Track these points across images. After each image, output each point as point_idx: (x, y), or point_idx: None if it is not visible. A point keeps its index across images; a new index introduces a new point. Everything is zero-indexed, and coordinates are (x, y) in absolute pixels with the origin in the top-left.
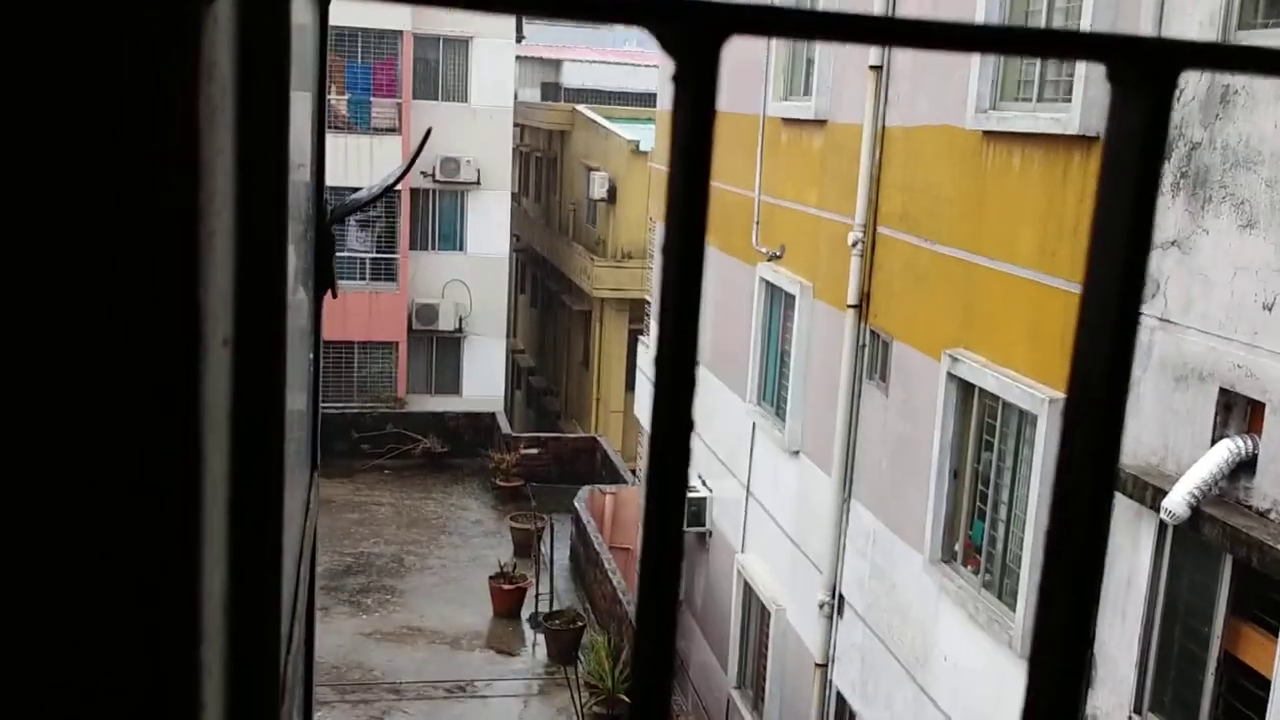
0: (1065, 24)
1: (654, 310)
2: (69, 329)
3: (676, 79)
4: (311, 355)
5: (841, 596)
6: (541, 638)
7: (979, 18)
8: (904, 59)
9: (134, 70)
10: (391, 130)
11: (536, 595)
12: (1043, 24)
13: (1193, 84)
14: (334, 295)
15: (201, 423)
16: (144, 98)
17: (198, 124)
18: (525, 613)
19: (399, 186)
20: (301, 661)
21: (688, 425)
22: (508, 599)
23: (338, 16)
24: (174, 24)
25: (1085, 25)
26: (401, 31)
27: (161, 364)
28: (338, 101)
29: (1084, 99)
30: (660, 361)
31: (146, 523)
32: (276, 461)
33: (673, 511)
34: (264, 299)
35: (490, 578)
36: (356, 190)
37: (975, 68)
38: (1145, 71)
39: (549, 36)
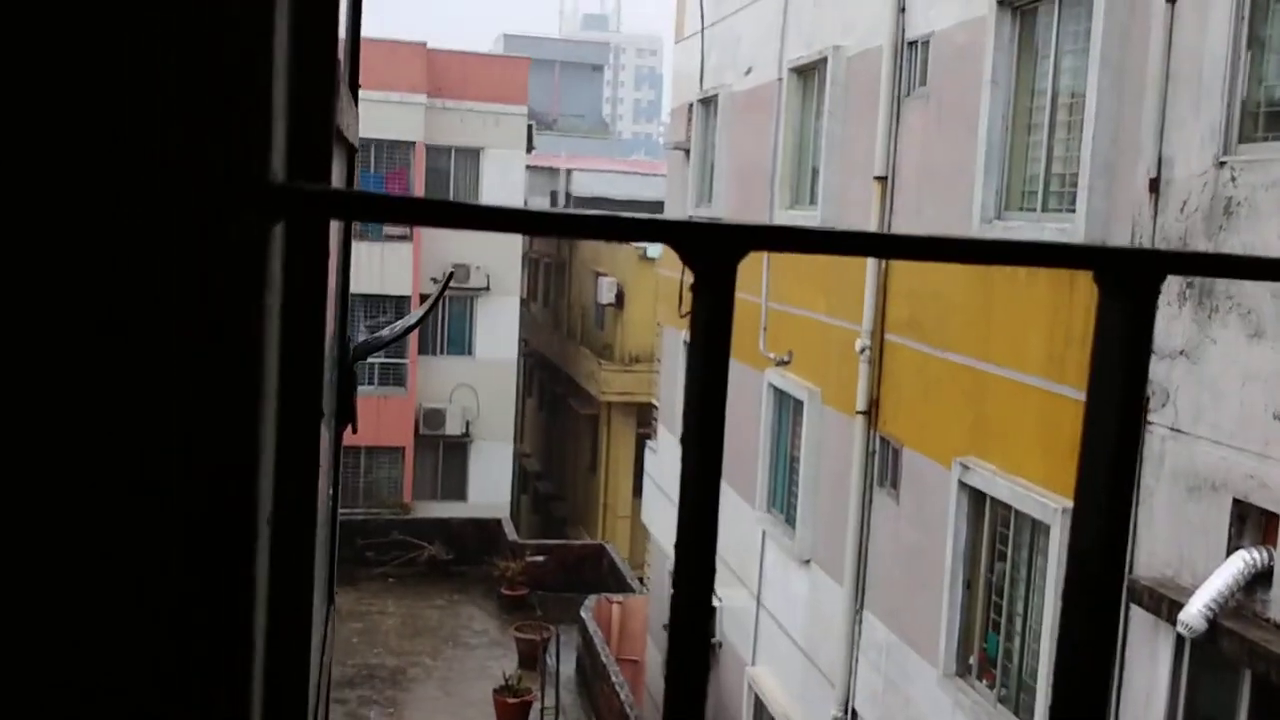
0: (1068, 137)
1: (660, 424)
2: (134, 522)
3: (696, 287)
4: (331, 490)
5: (855, 711)
6: None
7: (981, 136)
8: (909, 169)
9: (211, 286)
10: (403, 238)
11: (542, 709)
12: (1045, 139)
13: (1195, 194)
14: (354, 431)
15: (255, 605)
16: (218, 311)
17: (263, 333)
18: None
19: (408, 292)
20: None
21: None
22: (512, 713)
23: None
24: (248, 245)
25: (1087, 139)
26: (414, 142)
27: (218, 549)
28: None
29: (1088, 209)
30: (680, 550)
31: (198, 700)
32: (303, 647)
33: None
34: (299, 476)
35: (494, 691)
36: (369, 297)
37: (980, 177)
38: (1129, 278)
39: (559, 146)
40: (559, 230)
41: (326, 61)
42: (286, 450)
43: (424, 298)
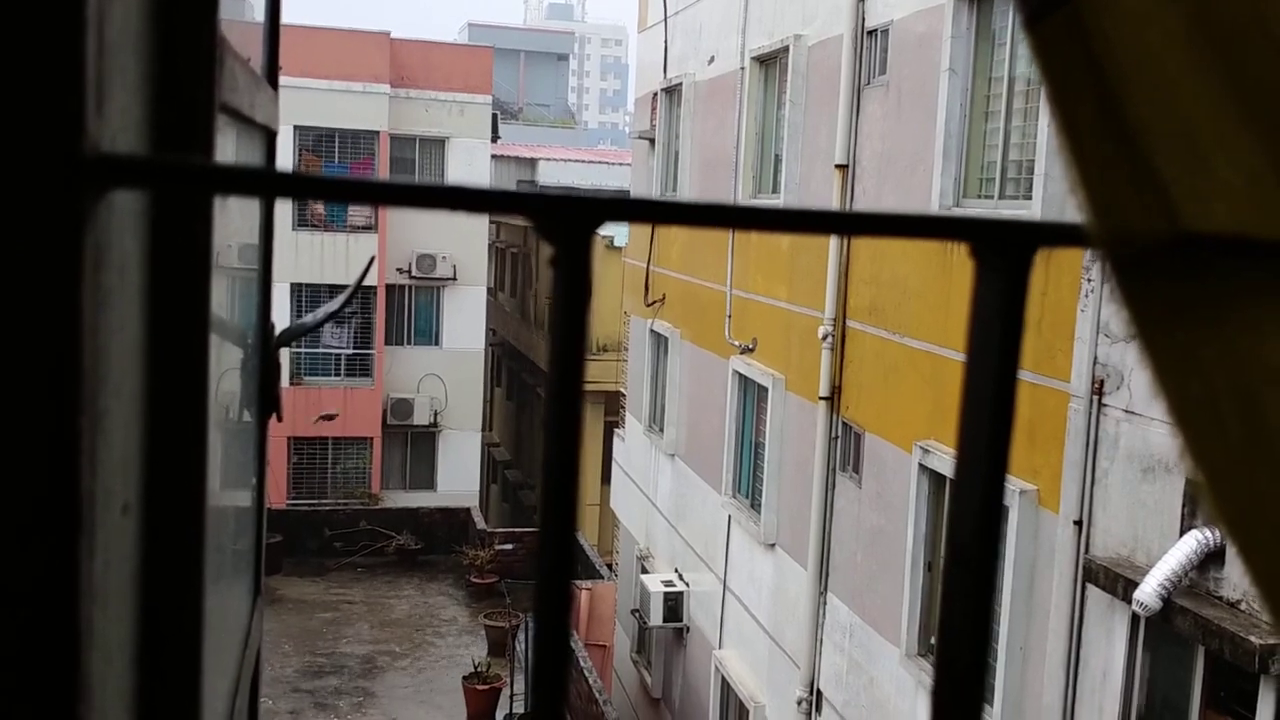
0: (1025, 124)
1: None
2: None
3: (553, 263)
4: (255, 480)
5: (819, 692)
6: None
7: (939, 123)
8: (869, 157)
9: (3, 271)
10: (368, 228)
11: (511, 695)
12: (1002, 127)
13: None
14: (279, 419)
15: (79, 591)
16: (14, 296)
17: (78, 318)
18: (500, 713)
19: (374, 283)
20: None
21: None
22: (482, 700)
23: (315, 118)
24: (51, 225)
25: (1043, 125)
26: (378, 132)
27: (29, 556)
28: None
29: (1044, 196)
30: (543, 529)
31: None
32: (194, 622)
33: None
34: (178, 461)
35: (464, 678)
36: (334, 286)
37: (939, 164)
38: (1003, 251)
39: (525, 136)
40: (408, 201)
41: (203, 36)
42: (161, 438)
43: (391, 288)
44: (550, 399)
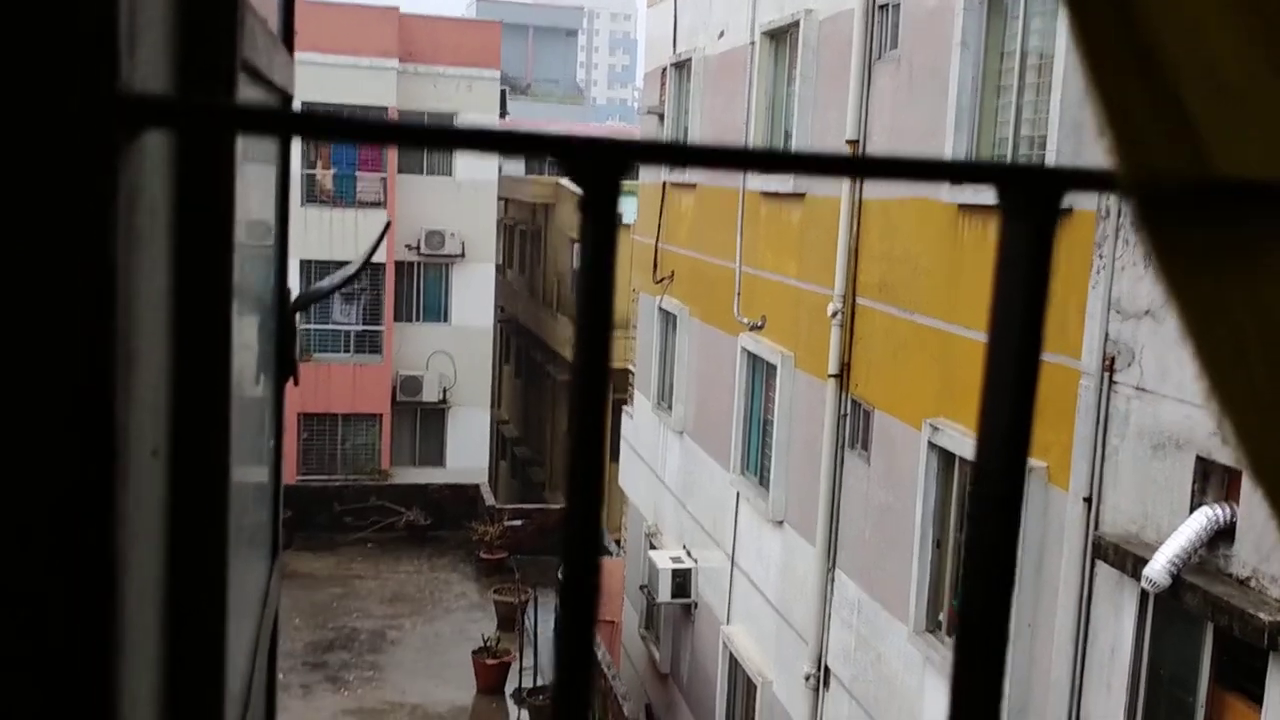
0: (1037, 98)
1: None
2: None
3: (582, 206)
4: (273, 442)
5: (827, 668)
6: (525, 713)
7: (951, 98)
8: (880, 132)
9: (44, 207)
10: (377, 204)
11: (520, 670)
12: (1014, 101)
13: None
14: (295, 383)
15: (115, 533)
16: (54, 231)
17: (113, 254)
18: (509, 688)
19: (383, 259)
20: None
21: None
22: (491, 674)
23: (322, 93)
24: (88, 162)
25: (1055, 100)
26: (387, 108)
27: (67, 484)
28: (323, 176)
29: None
30: (571, 476)
31: (55, 649)
32: (218, 564)
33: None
34: (203, 409)
35: (473, 652)
36: (343, 263)
37: (950, 139)
38: (1030, 197)
39: (534, 112)
40: (433, 143)
41: None
42: (187, 383)
43: (400, 265)
44: (579, 343)
